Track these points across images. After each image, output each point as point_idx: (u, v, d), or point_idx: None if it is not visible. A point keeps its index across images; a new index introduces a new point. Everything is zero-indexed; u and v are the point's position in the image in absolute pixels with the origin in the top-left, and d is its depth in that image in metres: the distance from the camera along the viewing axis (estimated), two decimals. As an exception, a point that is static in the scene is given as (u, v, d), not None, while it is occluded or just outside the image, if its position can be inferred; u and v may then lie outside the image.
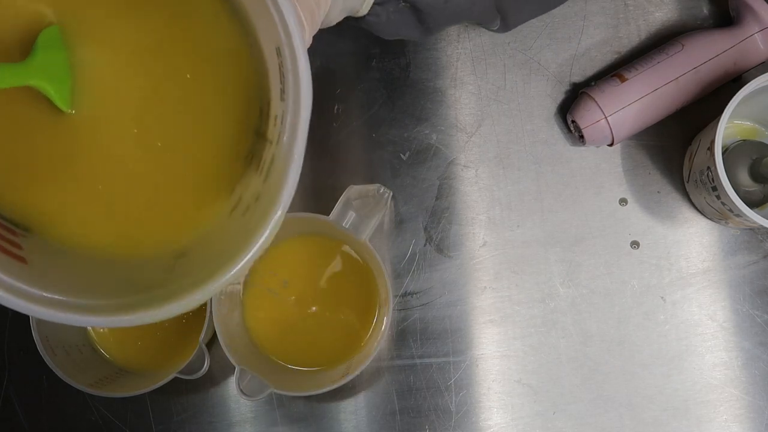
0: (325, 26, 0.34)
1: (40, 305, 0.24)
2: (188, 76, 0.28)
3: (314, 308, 0.47)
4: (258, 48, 0.27)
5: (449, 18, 0.41)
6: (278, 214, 0.25)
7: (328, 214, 0.43)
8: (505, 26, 0.44)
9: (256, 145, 0.28)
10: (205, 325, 0.43)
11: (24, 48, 0.27)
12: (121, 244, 0.29)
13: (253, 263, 0.25)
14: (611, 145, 0.47)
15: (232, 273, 0.25)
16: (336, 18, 0.35)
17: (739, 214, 0.40)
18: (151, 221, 0.29)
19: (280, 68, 0.25)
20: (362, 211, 0.43)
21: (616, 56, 0.49)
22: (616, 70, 0.47)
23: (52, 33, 0.27)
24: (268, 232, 0.25)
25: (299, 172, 0.25)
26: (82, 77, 0.28)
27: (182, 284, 0.26)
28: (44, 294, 0.25)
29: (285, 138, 0.25)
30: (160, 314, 0.25)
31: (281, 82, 0.25)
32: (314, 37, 0.32)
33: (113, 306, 0.25)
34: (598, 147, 0.48)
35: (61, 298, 0.25)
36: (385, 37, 0.41)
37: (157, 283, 0.26)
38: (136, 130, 0.28)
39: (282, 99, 0.25)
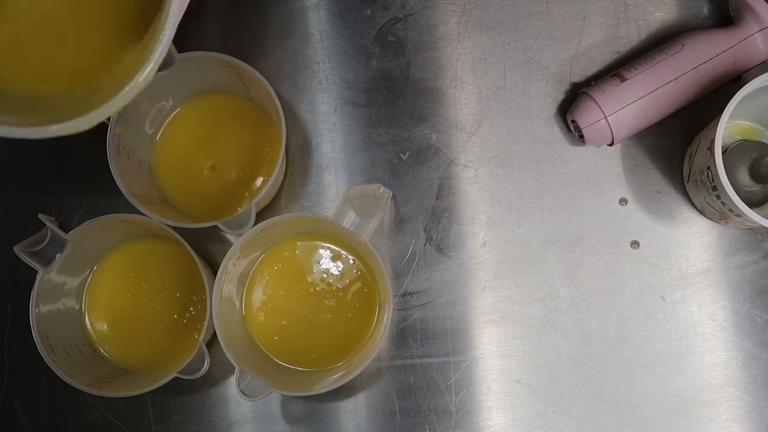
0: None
1: None
2: None
3: (314, 308, 0.47)
4: None
5: None
6: (166, 33, 0.29)
7: (328, 214, 0.44)
8: None
9: None
10: (205, 325, 0.43)
11: None
12: (47, 87, 0.32)
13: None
14: (611, 145, 0.47)
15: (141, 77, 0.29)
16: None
17: (739, 214, 0.40)
18: (75, 64, 0.33)
19: None
20: (362, 211, 0.43)
21: (616, 56, 0.49)
22: (616, 70, 0.47)
23: None
24: (159, 49, 0.29)
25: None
26: None
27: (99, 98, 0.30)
28: None
29: None
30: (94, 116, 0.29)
31: None
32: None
33: (39, 120, 0.29)
34: (598, 147, 0.48)
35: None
36: None
37: (78, 103, 0.31)
38: None
39: None
